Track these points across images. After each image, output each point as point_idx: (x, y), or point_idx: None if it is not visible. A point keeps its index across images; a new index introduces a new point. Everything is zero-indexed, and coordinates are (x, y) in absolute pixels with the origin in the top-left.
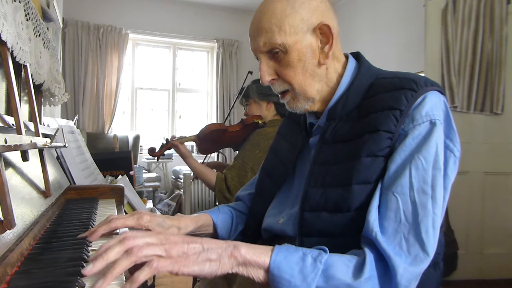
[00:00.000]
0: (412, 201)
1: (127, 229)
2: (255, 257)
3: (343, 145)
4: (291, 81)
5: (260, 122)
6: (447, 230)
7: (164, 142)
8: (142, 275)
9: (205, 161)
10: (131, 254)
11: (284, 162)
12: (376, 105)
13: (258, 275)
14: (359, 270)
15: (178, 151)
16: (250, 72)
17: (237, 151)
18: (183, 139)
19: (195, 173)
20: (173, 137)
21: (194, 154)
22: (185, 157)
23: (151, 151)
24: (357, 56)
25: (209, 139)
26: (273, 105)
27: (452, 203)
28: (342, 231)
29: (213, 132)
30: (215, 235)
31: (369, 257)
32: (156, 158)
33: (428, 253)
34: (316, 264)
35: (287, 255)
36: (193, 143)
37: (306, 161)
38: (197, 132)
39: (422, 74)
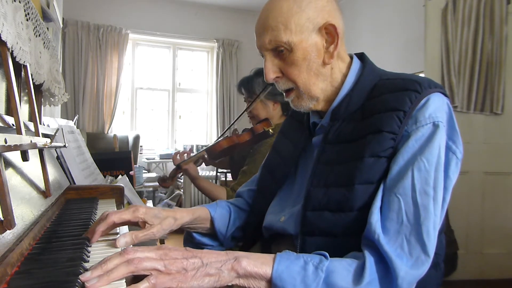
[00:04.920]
0: (414, 202)
1: (126, 227)
2: (256, 268)
3: (346, 145)
4: (296, 79)
5: (270, 130)
6: (447, 230)
7: (175, 167)
8: (142, 286)
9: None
10: (131, 263)
11: (286, 160)
12: (379, 106)
13: (260, 286)
14: (359, 275)
15: (188, 174)
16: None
17: (234, 156)
18: (191, 159)
19: (204, 193)
20: (181, 154)
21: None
22: (195, 179)
23: (163, 181)
24: (361, 56)
25: (219, 156)
26: (279, 105)
27: (452, 203)
28: (344, 230)
29: (224, 150)
30: (212, 229)
31: (369, 260)
32: (168, 187)
33: (429, 255)
34: (318, 273)
35: (289, 265)
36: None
37: (308, 160)
38: (200, 145)
39: (422, 74)
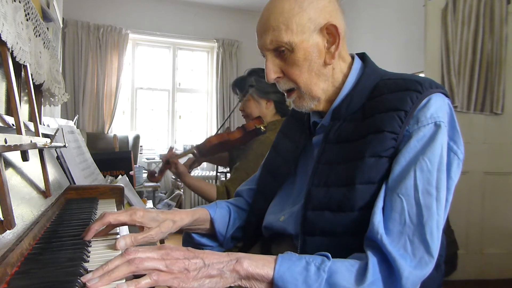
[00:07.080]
0: (416, 203)
1: (126, 228)
2: (258, 269)
3: (347, 145)
4: (297, 79)
5: (262, 127)
6: (447, 230)
7: (163, 162)
8: (144, 282)
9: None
10: (132, 263)
11: (287, 160)
12: (380, 106)
13: (262, 287)
14: (362, 275)
15: (176, 169)
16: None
17: (233, 154)
18: (181, 155)
19: (193, 190)
20: (171, 150)
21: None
22: (183, 175)
23: (151, 176)
24: (362, 57)
25: (210, 152)
26: (273, 104)
27: (452, 203)
28: (345, 230)
29: (214, 146)
30: (212, 229)
31: (372, 260)
32: (157, 182)
33: (432, 255)
34: (320, 273)
35: (291, 265)
36: (191, 155)
37: (308, 160)
38: (195, 144)
39: (422, 74)
